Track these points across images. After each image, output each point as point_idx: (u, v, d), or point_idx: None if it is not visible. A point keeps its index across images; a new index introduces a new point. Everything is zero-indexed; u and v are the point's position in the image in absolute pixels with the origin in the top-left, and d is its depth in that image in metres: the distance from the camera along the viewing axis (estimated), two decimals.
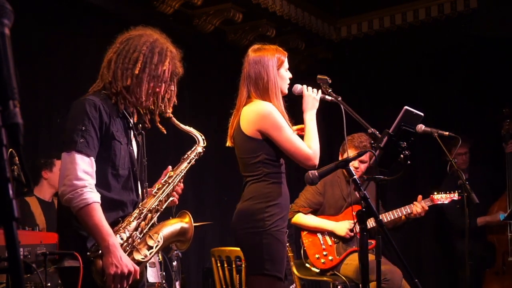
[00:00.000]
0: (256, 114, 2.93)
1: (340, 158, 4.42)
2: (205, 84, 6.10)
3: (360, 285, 4.14)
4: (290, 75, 3.10)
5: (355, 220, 4.10)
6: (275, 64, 2.99)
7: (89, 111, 2.30)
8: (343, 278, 4.24)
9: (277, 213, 2.90)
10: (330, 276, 4.35)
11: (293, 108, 3.14)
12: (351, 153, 4.33)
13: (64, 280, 2.39)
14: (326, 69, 6.02)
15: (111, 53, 2.44)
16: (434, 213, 6.22)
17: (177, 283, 4.72)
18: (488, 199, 5.48)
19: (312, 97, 3.05)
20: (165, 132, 2.59)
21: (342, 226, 4.28)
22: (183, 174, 2.61)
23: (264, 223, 2.86)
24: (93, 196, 2.24)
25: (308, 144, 2.96)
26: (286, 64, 3.08)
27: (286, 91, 3.09)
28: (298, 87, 3.11)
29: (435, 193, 4.40)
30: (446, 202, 4.41)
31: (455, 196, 4.38)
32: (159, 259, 4.60)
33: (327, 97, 3.10)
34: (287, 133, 2.91)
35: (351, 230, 4.25)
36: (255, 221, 2.88)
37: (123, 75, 2.39)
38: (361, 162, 4.34)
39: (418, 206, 4.28)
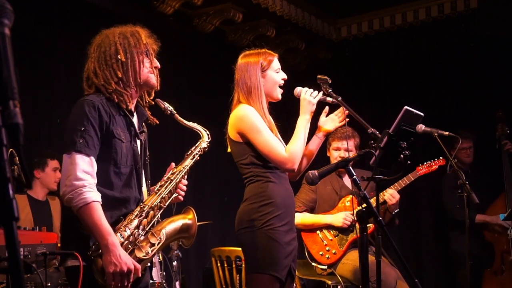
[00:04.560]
0: (235, 117, 3.00)
1: (327, 153, 4.46)
2: (204, 84, 6.09)
3: (358, 285, 4.17)
4: (283, 76, 3.10)
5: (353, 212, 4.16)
6: (258, 68, 3.03)
7: (88, 112, 2.33)
8: (339, 278, 4.23)
9: (271, 211, 2.93)
10: (326, 276, 4.34)
11: (293, 108, 3.14)
12: (334, 145, 4.36)
13: (70, 279, 2.41)
14: (326, 69, 6.01)
15: (91, 64, 2.46)
16: (434, 212, 6.25)
17: (177, 283, 4.71)
18: (489, 197, 5.48)
19: (307, 101, 3.03)
20: (158, 122, 2.62)
21: (338, 217, 4.29)
22: (186, 170, 2.62)
23: (257, 222, 2.92)
24: (92, 195, 2.25)
25: (288, 146, 2.97)
26: (275, 65, 3.08)
27: (278, 95, 3.09)
28: (298, 89, 3.11)
29: (420, 164, 4.32)
30: (432, 169, 4.28)
31: (440, 162, 4.29)
32: (159, 259, 4.59)
33: (328, 99, 3.09)
34: (264, 135, 2.93)
35: (352, 225, 4.25)
36: (249, 221, 2.94)
37: (112, 72, 2.42)
38: (337, 150, 4.35)
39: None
